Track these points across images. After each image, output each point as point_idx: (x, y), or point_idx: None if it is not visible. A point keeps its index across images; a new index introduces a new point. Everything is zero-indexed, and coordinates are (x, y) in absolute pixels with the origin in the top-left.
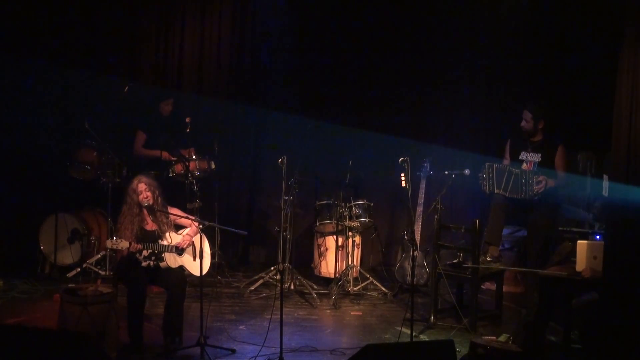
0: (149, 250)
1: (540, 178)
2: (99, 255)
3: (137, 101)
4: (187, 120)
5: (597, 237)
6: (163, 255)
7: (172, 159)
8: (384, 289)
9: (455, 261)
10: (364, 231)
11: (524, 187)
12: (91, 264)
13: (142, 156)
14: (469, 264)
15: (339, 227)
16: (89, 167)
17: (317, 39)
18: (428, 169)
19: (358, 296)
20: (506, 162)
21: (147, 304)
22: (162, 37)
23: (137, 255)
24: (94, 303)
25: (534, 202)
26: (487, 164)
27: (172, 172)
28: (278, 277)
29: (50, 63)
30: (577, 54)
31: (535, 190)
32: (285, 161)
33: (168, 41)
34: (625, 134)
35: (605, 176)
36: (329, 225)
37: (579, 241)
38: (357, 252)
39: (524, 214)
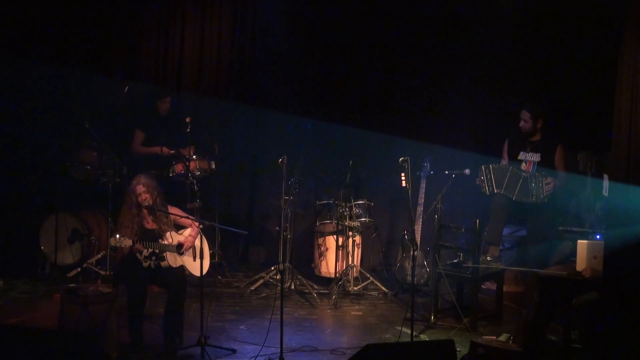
0: (150, 250)
1: (549, 180)
2: (99, 255)
3: (137, 101)
4: (187, 120)
5: (597, 237)
6: (164, 254)
7: (172, 152)
8: (384, 288)
9: (455, 261)
10: (364, 231)
11: (534, 192)
12: (91, 264)
13: (141, 154)
14: (469, 264)
15: (339, 227)
16: (89, 167)
17: (317, 39)
18: (428, 168)
19: (358, 296)
20: (504, 162)
21: (147, 304)
22: (162, 37)
23: (138, 255)
24: (94, 303)
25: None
26: (482, 166)
27: (172, 172)
28: (278, 276)
29: (50, 63)
30: (577, 53)
31: (546, 193)
32: (285, 161)
33: (168, 41)
34: (625, 134)
35: (605, 176)
36: (330, 225)
37: (579, 241)
38: (358, 252)
39: (523, 214)
